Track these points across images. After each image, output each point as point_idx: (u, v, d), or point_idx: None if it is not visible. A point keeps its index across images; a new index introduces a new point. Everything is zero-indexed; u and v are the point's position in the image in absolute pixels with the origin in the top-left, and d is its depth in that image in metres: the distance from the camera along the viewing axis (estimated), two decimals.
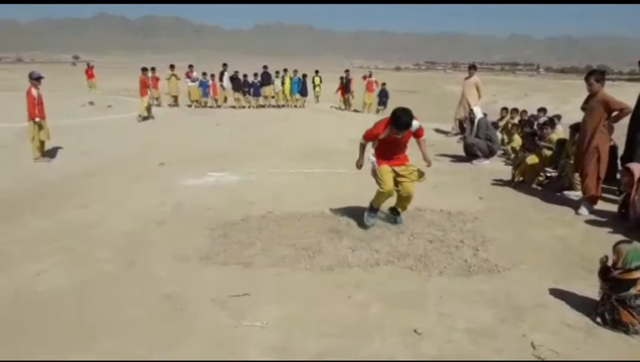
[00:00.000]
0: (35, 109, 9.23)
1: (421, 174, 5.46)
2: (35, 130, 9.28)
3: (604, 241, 4.93)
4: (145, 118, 15.98)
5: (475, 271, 4.46)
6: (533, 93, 31.68)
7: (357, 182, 7.79)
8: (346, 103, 22.42)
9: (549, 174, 7.89)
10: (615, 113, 6.08)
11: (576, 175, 6.78)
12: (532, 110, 13.09)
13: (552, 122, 9.45)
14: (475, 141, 9.62)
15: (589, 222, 5.98)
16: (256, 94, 21.19)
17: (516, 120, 11.69)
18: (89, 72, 27.79)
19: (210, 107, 20.59)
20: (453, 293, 4.00)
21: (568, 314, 3.68)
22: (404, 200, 5.46)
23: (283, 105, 21.88)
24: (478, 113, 9.93)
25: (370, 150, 5.46)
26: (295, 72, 22.12)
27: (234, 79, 20.83)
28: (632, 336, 3.35)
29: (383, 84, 21.77)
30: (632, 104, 6.90)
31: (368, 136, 5.27)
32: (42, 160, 9.35)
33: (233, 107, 20.78)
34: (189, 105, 20.36)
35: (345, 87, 22.28)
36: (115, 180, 7.85)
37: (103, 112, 17.06)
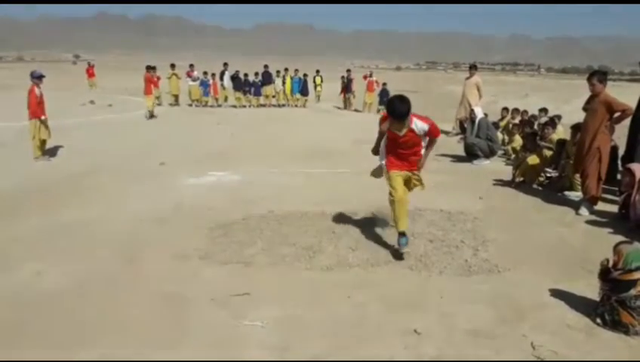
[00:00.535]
0: (38, 108, 9.26)
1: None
2: (37, 129, 9.29)
3: (604, 242, 4.93)
4: (152, 116, 16.04)
5: (475, 271, 4.46)
6: (534, 93, 31.63)
7: (358, 181, 7.81)
8: (347, 103, 22.42)
9: (549, 174, 7.88)
10: (617, 114, 6.07)
11: (577, 175, 6.78)
12: (533, 110, 13.09)
13: (552, 122, 9.45)
14: (475, 141, 9.62)
15: (590, 222, 5.97)
16: (257, 93, 21.23)
17: (517, 120, 11.69)
18: (90, 71, 27.84)
19: (211, 106, 20.61)
20: (453, 293, 4.00)
21: (568, 315, 3.68)
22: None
23: (284, 105, 21.90)
24: (479, 113, 9.92)
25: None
26: (296, 71, 22.13)
27: (235, 78, 20.85)
28: (632, 337, 3.35)
29: (384, 84, 21.76)
30: (633, 105, 6.90)
31: (380, 123, 4.91)
32: (43, 159, 9.35)
33: (234, 106, 20.80)
34: (190, 105, 20.38)
35: (346, 86, 22.29)
36: (115, 179, 7.85)
37: (104, 111, 17.07)
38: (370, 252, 4.90)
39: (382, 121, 4.88)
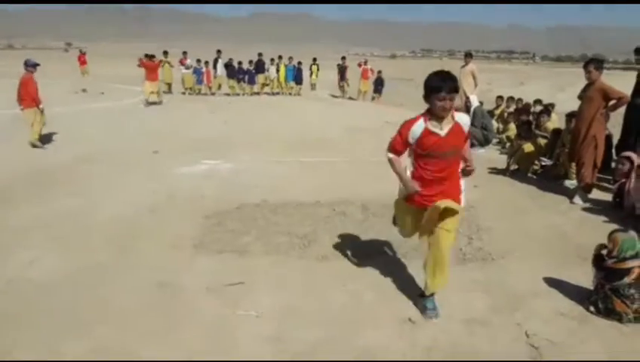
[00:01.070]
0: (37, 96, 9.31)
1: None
2: (37, 117, 9.33)
3: (598, 230, 4.95)
4: (152, 103, 16.15)
5: (470, 260, 4.48)
6: (529, 81, 31.63)
7: (352, 170, 7.81)
8: (341, 91, 22.33)
9: (544, 163, 7.88)
10: (613, 102, 6.07)
11: (572, 164, 6.77)
12: (528, 98, 13.06)
13: (547, 111, 9.44)
14: (470, 129, 9.59)
15: (584, 210, 6.00)
16: (251, 81, 21.10)
17: (512, 108, 11.67)
18: (81, 59, 27.45)
19: (204, 94, 20.45)
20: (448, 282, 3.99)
21: (562, 303, 3.70)
22: (432, 257, 3.46)
23: (278, 93, 21.79)
24: (474, 102, 9.90)
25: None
26: (290, 59, 21.97)
27: (228, 66, 20.68)
28: (626, 325, 3.37)
29: (379, 72, 21.65)
30: (628, 93, 6.89)
31: (393, 146, 3.37)
32: (39, 146, 9.29)
33: (227, 94, 20.66)
34: (183, 93, 20.24)
35: (340, 74, 22.18)
36: (108, 168, 7.78)
37: (96, 100, 16.91)
38: (365, 241, 4.90)
39: (406, 127, 3.26)
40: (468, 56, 13.69)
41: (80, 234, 5.02)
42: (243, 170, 7.78)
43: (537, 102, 11.68)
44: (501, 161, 8.35)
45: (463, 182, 3.46)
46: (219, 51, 20.94)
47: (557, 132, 8.03)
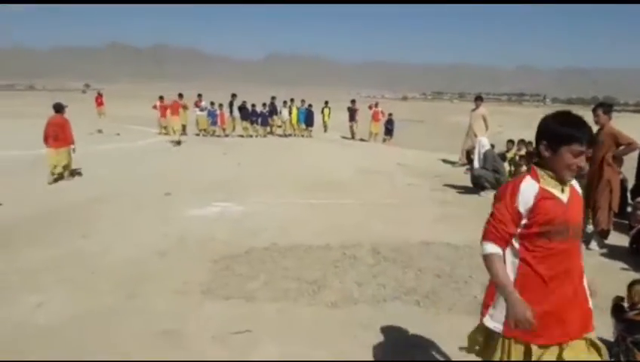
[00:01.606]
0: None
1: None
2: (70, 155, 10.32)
3: (616, 277, 4.81)
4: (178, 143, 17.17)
5: None
6: None
7: (362, 212, 7.74)
8: (351, 132, 22.52)
9: None
10: (622, 147, 6.02)
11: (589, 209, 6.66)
12: None
13: None
14: (482, 172, 9.55)
15: (600, 256, 5.85)
16: (264, 123, 21.41)
17: (523, 151, 11.63)
18: (99, 100, 28.13)
19: (218, 136, 20.74)
20: (462, 332, 3.84)
21: None
22: None
23: (290, 135, 22.05)
24: (485, 144, 9.88)
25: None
26: (302, 102, 22.39)
27: (242, 109, 21.05)
28: None
29: (390, 114, 21.88)
30: (638, 135, 6.84)
31: (495, 228, 2.19)
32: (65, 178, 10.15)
33: (241, 136, 20.93)
34: (197, 134, 20.51)
35: (350, 116, 22.43)
36: (120, 209, 7.81)
37: (111, 140, 17.19)
38: (376, 287, 4.78)
39: (512, 190, 2.19)
40: (478, 99, 13.82)
41: (88, 277, 4.98)
42: (254, 213, 7.76)
43: None
44: None
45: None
46: (234, 95, 21.33)
47: None
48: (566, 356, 2.10)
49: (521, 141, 12.34)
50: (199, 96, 21.06)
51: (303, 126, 22.13)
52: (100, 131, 19.26)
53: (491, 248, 2.18)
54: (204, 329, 3.88)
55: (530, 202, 2.13)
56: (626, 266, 5.45)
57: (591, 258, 5.79)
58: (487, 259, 2.19)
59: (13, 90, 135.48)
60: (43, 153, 10.03)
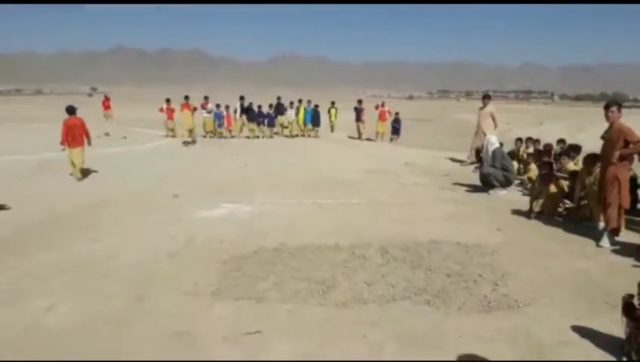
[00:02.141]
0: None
1: None
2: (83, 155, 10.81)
3: (627, 275, 4.78)
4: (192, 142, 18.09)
5: (495, 307, 4.31)
6: (549, 120, 31.46)
7: (371, 212, 7.72)
8: (358, 132, 22.50)
9: (567, 205, 7.72)
10: (631, 146, 5.97)
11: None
12: (548, 138, 12.93)
13: (567, 153, 9.32)
14: (491, 171, 9.50)
15: (611, 254, 5.80)
16: (271, 124, 21.45)
17: (531, 149, 11.55)
18: (106, 103, 28.32)
19: (225, 137, 20.80)
20: (472, 331, 3.85)
21: (593, 353, 3.54)
22: None
23: (296, 135, 22.06)
24: (494, 142, 9.83)
25: None
26: (309, 102, 22.39)
27: (248, 110, 21.11)
28: None
29: (397, 114, 21.84)
30: None
31: None
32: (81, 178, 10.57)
33: (247, 137, 20.98)
34: (204, 136, 20.58)
35: (357, 116, 22.41)
36: (128, 212, 7.84)
37: (118, 143, 17.26)
38: (385, 286, 4.77)
39: None
40: (486, 97, 13.75)
41: (97, 281, 5.00)
42: (262, 213, 7.76)
43: (560, 141, 11.45)
44: (524, 202, 8.20)
45: None
46: (242, 97, 21.36)
47: (574, 174, 7.91)
48: None
49: (529, 139, 12.25)
50: (206, 98, 21.13)
51: (310, 126, 22.16)
52: (107, 134, 19.33)
53: None
54: (215, 331, 3.89)
55: None
56: (637, 264, 5.40)
57: (601, 255, 5.75)
58: None
59: (22, 94, 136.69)
60: (49, 157, 10.12)
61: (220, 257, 5.63)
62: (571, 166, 8.76)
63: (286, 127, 22.26)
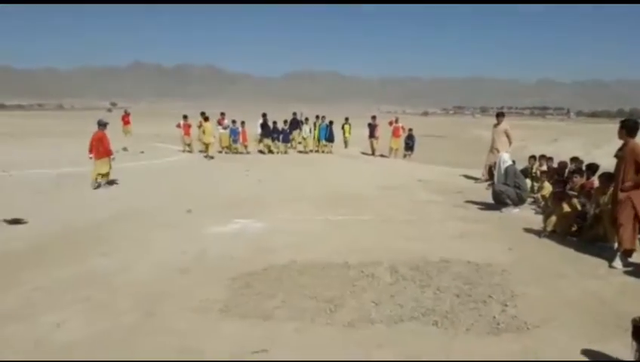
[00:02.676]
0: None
1: None
2: (108, 164, 11.68)
3: None
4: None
5: (504, 329, 4.26)
6: (564, 137, 31.16)
7: (382, 229, 7.72)
8: (371, 148, 22.54)
9: (580, 224, 7.64)
10: None
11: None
12: (563, 155, 12.83)
13: (579, 170, 9.25)
14: (503, 188, 9.45)
15: (624, 275, 5.72)
16: (285, 140, 21.65)
17: (544, 167, 11.47)
18: (125, 119, 28.70)
19: (240, 153, 21.00)
20: (480, 354, 3.82)
21: None
22: None
23: (311, 151, 22.21)
24: (507, 160, 9.79)
25: None
26: (323, 118, 22.55)
27: (264, 126, 21.35)
28: None
29: (410, 130, 21.86)
30: None
31: None
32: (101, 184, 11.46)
33: (262, 152, 21.16)
34: (220, 151, 20.80)
35: (370, 132, 22.48)
36: (141, 227, 7.93)
37: (136, 158, 17.52)
38: (394, 306, 4.74)
39: None
40: (500, 115, 13.73)
41: (108, 296, 5.05)
42: (274, 229, 7.80)
43: (574, 160, 11.32)
44: (536, 221, 8.14)
45: None
46: (264, 115, 21.65)
47: (587, 193, 7.85)
48: None
49: (542, 156, 12.17)
50: (222, 114, 21.43)
51: (324, 142, 22.30)
52: (125, 149, 19.64)
53: None
54: (222, 349, 3.90)
55: None
56: None
57: (614, 277, 5.68)
58: None
59: (44, 109, 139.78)
60: (68, 171, 10.35)
61: (229, 273, 5.66)
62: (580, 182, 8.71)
63: (300, 143, 22.44)
